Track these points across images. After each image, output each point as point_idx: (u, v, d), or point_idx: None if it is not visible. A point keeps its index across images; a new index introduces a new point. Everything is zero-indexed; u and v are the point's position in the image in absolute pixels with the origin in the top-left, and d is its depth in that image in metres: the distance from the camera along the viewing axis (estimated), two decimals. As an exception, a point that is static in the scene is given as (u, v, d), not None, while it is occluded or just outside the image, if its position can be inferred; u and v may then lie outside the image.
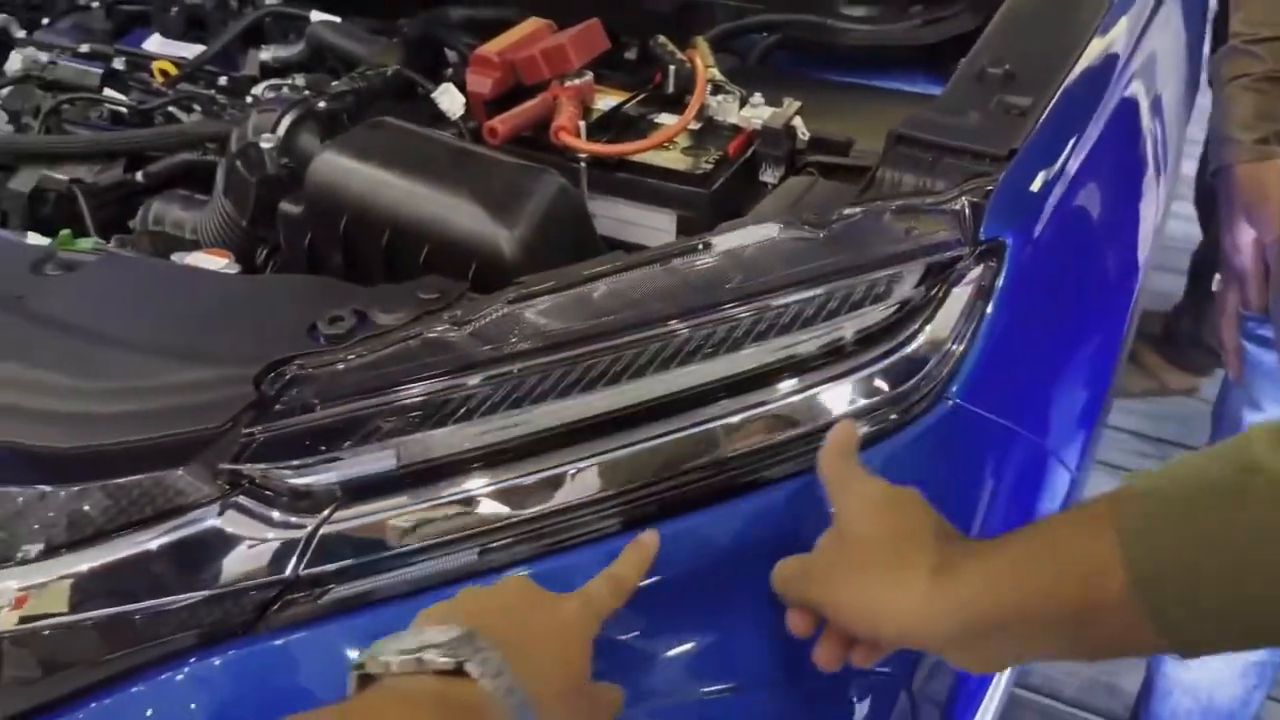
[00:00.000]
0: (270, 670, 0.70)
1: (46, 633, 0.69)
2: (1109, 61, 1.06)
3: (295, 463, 0.69)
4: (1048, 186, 0.87)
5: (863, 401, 0.76)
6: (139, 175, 1.26)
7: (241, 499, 0.69)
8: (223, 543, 0.68)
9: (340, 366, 0.74)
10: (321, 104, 1.00)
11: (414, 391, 0.72)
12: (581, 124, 1.01)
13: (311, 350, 0.76)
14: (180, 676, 0.69)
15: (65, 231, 1.08)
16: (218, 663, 0.69)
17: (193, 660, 0.69)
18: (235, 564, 0.68)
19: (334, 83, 1.06)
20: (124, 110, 1.34)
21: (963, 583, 0.58)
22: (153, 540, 0.68)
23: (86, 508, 0.70)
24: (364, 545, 0.69)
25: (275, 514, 0.69)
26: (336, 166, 0.92)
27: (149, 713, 0.70)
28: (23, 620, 0.69)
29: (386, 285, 0.84)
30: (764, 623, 0.71)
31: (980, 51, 1.03)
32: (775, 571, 0.68)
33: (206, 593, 0.68)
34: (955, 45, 1.23)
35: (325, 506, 0.69)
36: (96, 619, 0.69)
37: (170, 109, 1.32)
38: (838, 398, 0.76)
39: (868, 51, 1.24)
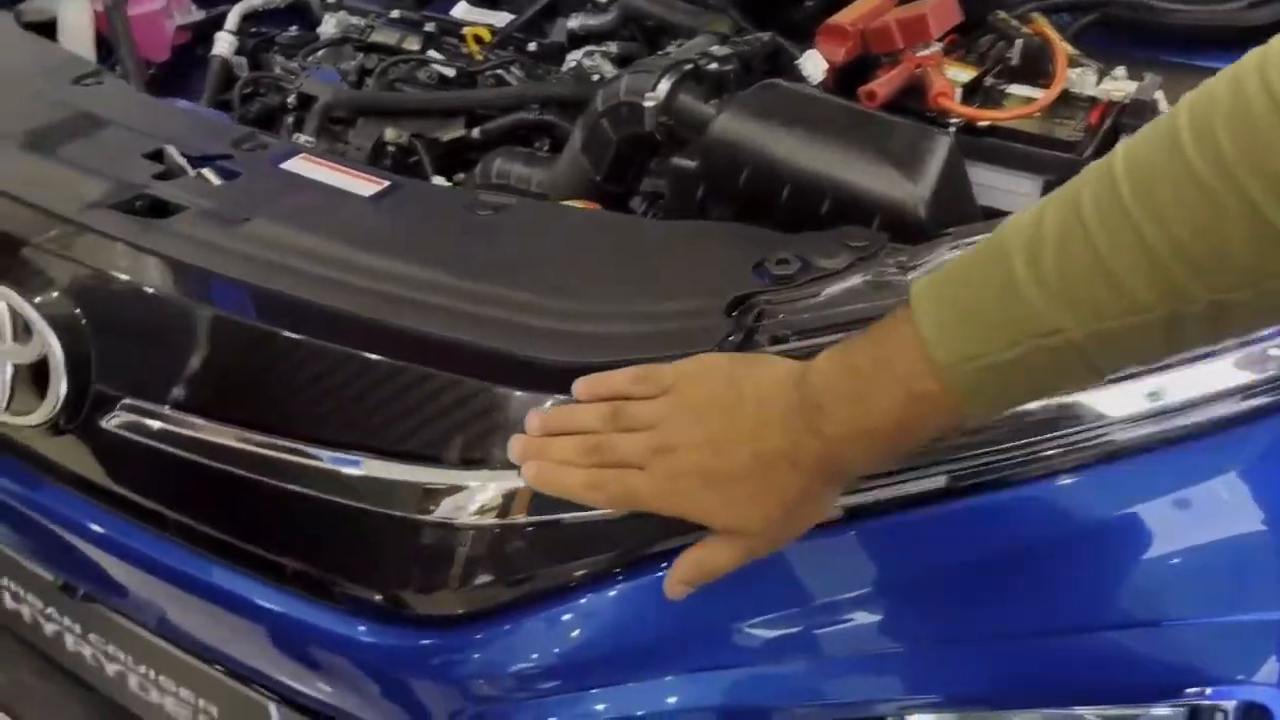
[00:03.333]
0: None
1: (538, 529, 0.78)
2: None
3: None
4: None
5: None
6: (475, 132, 1.35)
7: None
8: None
9: (800, 303, 0.81)
10: (713, 65, 1.07)
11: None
12: (958, 90, 1.06)
13: (769, 288, 0.82)
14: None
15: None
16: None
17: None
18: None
19: (713, 48, 1.13)
20: (450, 73, 1.44)
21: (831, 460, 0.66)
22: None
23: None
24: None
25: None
26: (739, 125, 0.99)
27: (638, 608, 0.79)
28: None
29: (811, 233, 0.90)
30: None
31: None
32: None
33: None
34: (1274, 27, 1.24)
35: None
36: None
37: (497, 72, 1.41)
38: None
39: (1188, 31, 1.26)
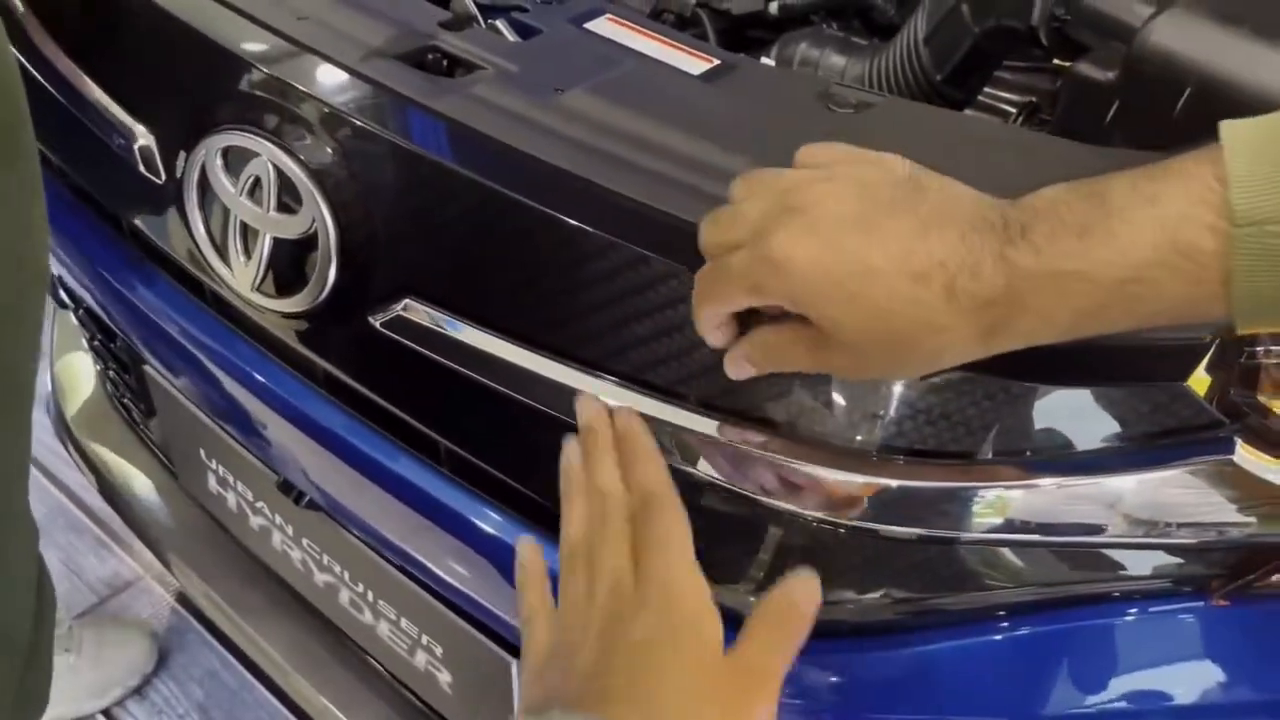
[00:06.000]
0: (1226, 639, 0.58)
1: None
2: None
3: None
4: None
5: None
6: (773, 7, 1.14)
7: (1245, 436, 0.56)
8: (1227, 482, 0.56)
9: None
10: (1149, -51, 0.83)
11: None
12: None
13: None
14: (1112, 623, 0.59)
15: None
16: (1160, 617, 0.58)
17: (1128, 611, 0.58)
18: (1225, 510, 0.56)
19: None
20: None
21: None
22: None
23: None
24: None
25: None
26: (1188, 32, 0.76)
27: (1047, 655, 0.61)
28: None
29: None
30: None
31: None
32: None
33: (1184, 539, 0.56)
34: None
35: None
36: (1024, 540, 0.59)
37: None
38: None
39: None
